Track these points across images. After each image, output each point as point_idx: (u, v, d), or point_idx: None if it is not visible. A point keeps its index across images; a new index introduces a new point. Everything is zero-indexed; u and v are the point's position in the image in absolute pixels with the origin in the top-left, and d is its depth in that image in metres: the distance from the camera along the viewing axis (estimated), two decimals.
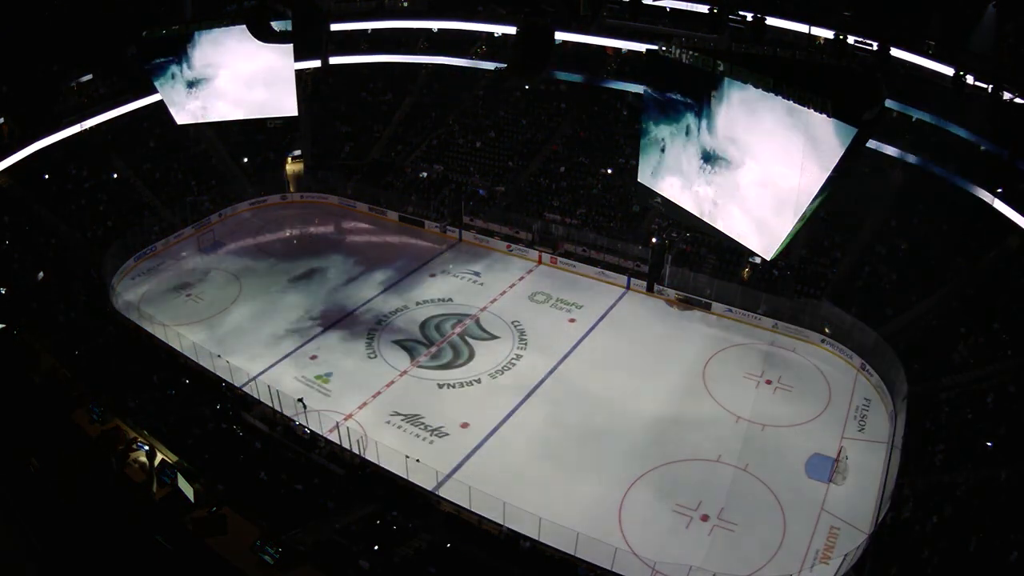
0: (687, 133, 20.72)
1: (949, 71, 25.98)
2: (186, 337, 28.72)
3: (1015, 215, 25.84)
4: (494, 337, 30.17)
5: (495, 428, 25.20)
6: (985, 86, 23.68)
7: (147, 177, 39.52)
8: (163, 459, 9.89)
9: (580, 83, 41.17)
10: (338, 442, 24.01)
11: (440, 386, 27.35)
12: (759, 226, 19.84)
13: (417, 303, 32.51)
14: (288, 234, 39.36)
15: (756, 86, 15.97)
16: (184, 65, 29.75)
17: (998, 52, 25.76)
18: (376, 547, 18.14)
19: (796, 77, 15.54)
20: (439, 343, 29.75)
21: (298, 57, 31.50)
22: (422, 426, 25.20)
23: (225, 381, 26.57)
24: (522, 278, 34.71)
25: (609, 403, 26.36)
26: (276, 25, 25.82)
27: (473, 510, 21.38)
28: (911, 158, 30.89)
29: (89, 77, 39.51)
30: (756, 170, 18.84)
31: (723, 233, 21.33)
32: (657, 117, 21.69)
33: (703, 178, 20.90)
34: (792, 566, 20.05)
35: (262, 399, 25.78)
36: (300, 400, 25.08)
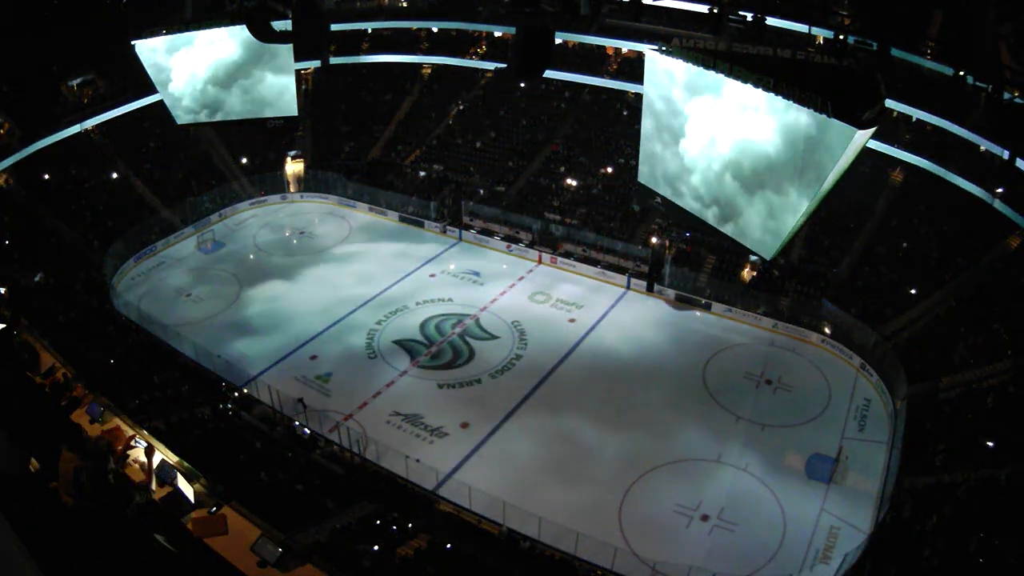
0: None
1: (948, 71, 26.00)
2: (186, 337, 28.73)
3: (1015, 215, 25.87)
4: (494, 337, 30.17)
5: (495, 428, 25.21)
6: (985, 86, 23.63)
7: (147, 177, 39.54)
8: (163, 459, 9.89)
9: (580, 83, 41.27)
10: (338, 442, 24.02)
11: (440, 386, 27.34)
12: (759, 226, 19.81)
13: (417, 303, 32.51)
14: (288, 234, 39.38)
15: (756, 86, 15.94)
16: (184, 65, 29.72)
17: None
18: (376, 547, 18.14)
19: (796, 77, 15.52)
20: (439, 343, 29.76)
21: (298, 57, 31.44)
22: (422, 426, 25.20)
23: (225, 381, 26.58)
24: (522, 278, 34.71)
25: (609, 403, 26.36)
26: (276, 25, 25.79)
27: (473, 510, 21.39)
28: (911, 158, 30.94)
29: (89, 77, 39.62)
30: (756, 168, 18.81)
31: (723, 233, 21.31)
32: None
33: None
34: (792, 566, 20.05)
35: (262, 399, 25.79)
36: (300, 400, 25.09)
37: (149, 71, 27.97)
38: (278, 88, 31.13)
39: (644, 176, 23.72)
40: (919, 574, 17.25)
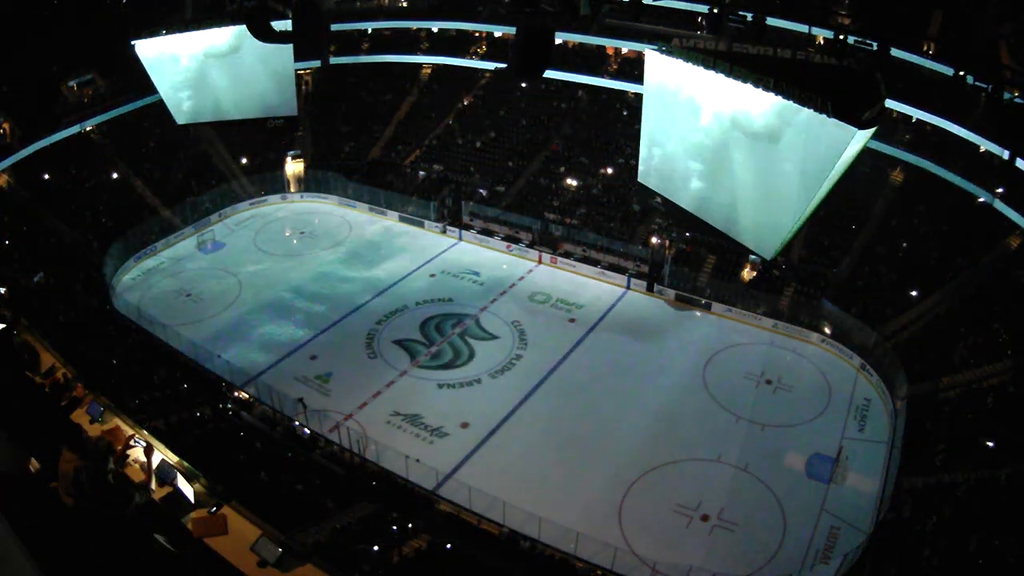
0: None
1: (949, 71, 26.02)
2: (186, 337, 28.72)
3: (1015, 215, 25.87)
4: (494, 337, 30.17)
5: (495, 428, 25.20)
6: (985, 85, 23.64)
7: (147, 177, 39.53)
8: (163, 459, 9.89)
9: (580, 83, 41.27)
10: (338, 442, 24.02)
11: (440, 386, 27.34)
12: (759, 224, 19.81)
13: (417, 303, 32.50)
14: (288, 234, 39.38)
15: (756, 86, 15.94)
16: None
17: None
18: (376, 547, 18.14)
19: (796, 77, 15.51)
20: (439, 343, 29.76)
21: (298, 57, 31.45)
22: (422, 426, 25.20)
23: (225, 381, 26.58)
24: (522, 278, 34.71)
25: (609, 403, 26.37)
26: (276, 25, 25.85)
27: (473, 510, 21.39)
28: (911, 158, 30.92)
29: (89, 77, 39.62)
30: (756, 168, 18.80)
31: (723, 233, 21.31)
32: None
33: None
34: (792, 566, 20.05)
35: (262, 399, 25.79)
36: (300, 400, 25.08)
37: (147, 68, 28.00)
38: (277, 87, 31.06)
39: (644, 176, 23.69)
40: (919, 574, 17.26)
